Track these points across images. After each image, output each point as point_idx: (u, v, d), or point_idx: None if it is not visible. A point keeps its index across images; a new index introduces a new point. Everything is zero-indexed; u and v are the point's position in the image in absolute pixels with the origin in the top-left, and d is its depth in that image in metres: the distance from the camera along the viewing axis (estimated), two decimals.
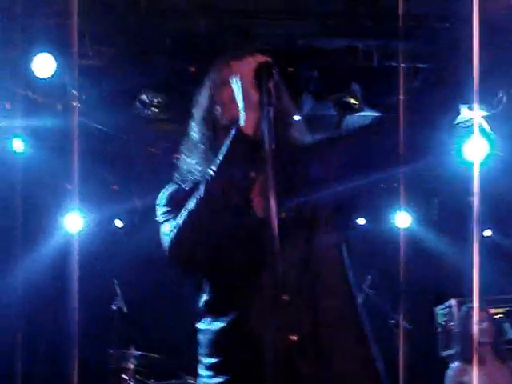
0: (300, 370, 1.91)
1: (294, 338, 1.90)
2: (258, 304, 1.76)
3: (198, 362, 2.07)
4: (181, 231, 1.98)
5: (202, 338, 2.05)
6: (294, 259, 1.97)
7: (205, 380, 2.02)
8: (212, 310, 2.03)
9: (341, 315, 1.99)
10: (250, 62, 1.97)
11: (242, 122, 1.97)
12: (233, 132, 1.98)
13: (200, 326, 2.07)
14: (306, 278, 1.97)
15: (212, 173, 1.98)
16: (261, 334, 1.67)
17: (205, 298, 2.06)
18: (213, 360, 2.00)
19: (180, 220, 1.99)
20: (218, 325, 2.00)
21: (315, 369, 1.92)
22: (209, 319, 2.04)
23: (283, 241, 1.77)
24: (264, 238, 1.72)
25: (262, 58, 1.97)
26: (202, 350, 2.05)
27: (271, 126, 1.84)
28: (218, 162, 1.98)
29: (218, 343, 1.99)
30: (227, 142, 1.98)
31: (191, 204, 1.98)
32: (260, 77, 1.92)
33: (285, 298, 1.90)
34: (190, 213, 1.98)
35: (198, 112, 2.19)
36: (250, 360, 1.87)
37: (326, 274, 2.00)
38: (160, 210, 2.14)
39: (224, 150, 1.98)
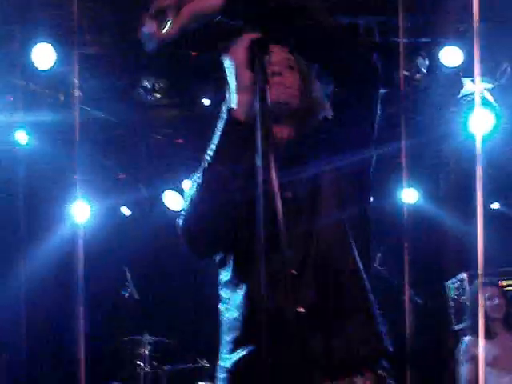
0: (308, 342, 1.91)
1: (302, 310, 1.91)
2: (267, 278, 1.77)
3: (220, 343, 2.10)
4: (184, 218, 2.00)
5: (221, 318, 2.08)
6: (300, 236, 1.98)
7: (224, 356, 2.04)
8: (227, 290, 2.05)
9: (346, 288, 1.99)
10: (243, 40, 1.90)
11: (233, 105, 1.93)
12: (224, 116, 1.94)
13: (220, 307, 2.09)
14: (312, 253, 1.97)
15: (208, 158, 1.96)
16: (271, 308, 1.68)
17: (221, 278, 2.09)
18: (229, 336, 2.02)
19: (184, 207, 2.01)
20: (233, 302, 2.02)
21: (323, 339, 1.93)
22: (225, 298, 2.06)
23: (289, 218, 1.78)
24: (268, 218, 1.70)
25: (254, 35, 1.88)
26: (221, 329, 2.07)
27: (266, 105, 1.78)
28: (213, 146, 1.96)
29: (233, 319, 2.01)
30: (219, 127, 1.95)
31: (191, 191, 1.98)
32: (253, 54, 1.85)
33: (292, 271, 1.92)
34: (191, 199, 1.98)
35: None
36: (262, 333, 1.87)
37: (331, 250, 2.00)
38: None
39: (217, 134, 1.95)
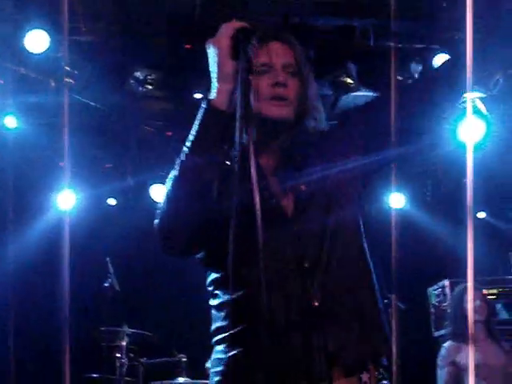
0: (319, 335, 1.89)
1: (316, 304, 1.89)
2: (270, 273, 1.72)
3: (211, 338, 2.04)
4: (161, 216, 1.94)
5: (214, 313, 2.02)
6: (314, 230, 1.95)
7: (219, 354, 1.99)
8: (221, 286, 1.99)
9: (358, 284, 1.99)
10: (227, 28, 1.87)
11: (213, 95, 1.89)
12: (203, 106, 1.90)
13: (212, 302, 2.03)
14: (325, 248, 1.95)
15: (185, 149, 1.91)
16: (275, 303, 1.66)
17: (212, 276, 2.03)
18: (226, 334, 1.95)
19: (160, 205, 1.95)
20: (230, 298, 1.94)
21: (334, 333, 1.91)
22: (220, 294, 2.00)
23: (304, 212, 1.85)
24: (246, 218, 1.68)
25: (239, 24, 1.87)
26: (214, 325, 2.01)
27: (247, 96, 1.76)
28: (191, 137, 1.91)
29: (231, 316, 1.94)
30: (198, 116, 1.91)
31: (168, 184, 1.93)
32: (237, 43, 1.83)
33: (306, 265, 1.91)
34: (167, 193, 1.92)
35: None
36: (264, 330, 1.79)
37: (344, 246, 1.99)
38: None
39: (195, 124, 1.91)
